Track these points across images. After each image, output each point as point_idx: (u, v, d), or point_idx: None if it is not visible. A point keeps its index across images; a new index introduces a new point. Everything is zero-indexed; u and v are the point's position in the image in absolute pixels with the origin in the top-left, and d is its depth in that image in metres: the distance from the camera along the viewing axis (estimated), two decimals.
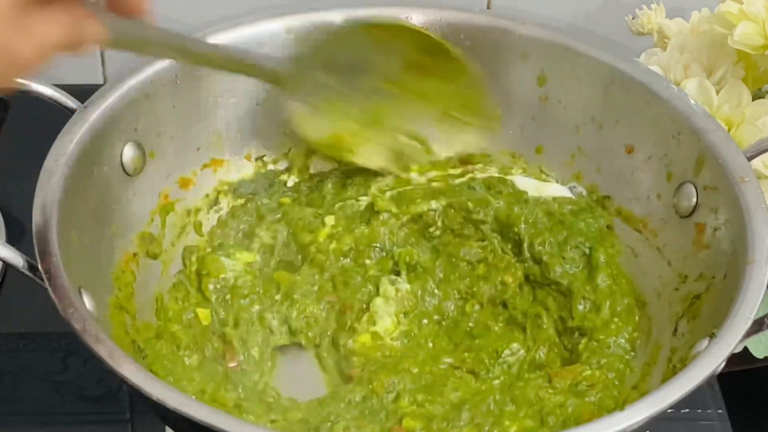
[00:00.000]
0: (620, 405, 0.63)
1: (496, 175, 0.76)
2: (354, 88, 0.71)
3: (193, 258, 0.71)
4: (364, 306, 0.71)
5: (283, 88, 0.69)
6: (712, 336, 0.56)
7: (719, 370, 0.55)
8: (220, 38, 0.71)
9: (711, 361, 0.54)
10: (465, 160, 0.77)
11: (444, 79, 0.71)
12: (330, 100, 0.71)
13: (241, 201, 0.75)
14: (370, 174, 0.75)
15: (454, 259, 0.73)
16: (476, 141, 0.75)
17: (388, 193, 0.74)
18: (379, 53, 0.70)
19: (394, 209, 0.73)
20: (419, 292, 0.72)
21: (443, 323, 0.71)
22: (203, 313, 0.69)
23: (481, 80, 0.72)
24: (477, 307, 0.72)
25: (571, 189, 0.75)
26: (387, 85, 0.72)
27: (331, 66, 0.70)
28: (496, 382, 0.67)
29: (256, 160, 0.76)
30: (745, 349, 0.67)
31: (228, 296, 0.70)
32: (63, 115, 0.65)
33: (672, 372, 0.61)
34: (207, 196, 0.74)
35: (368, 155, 0.74)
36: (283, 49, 0.73)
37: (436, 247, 0.74)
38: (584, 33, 0.88)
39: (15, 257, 0.57)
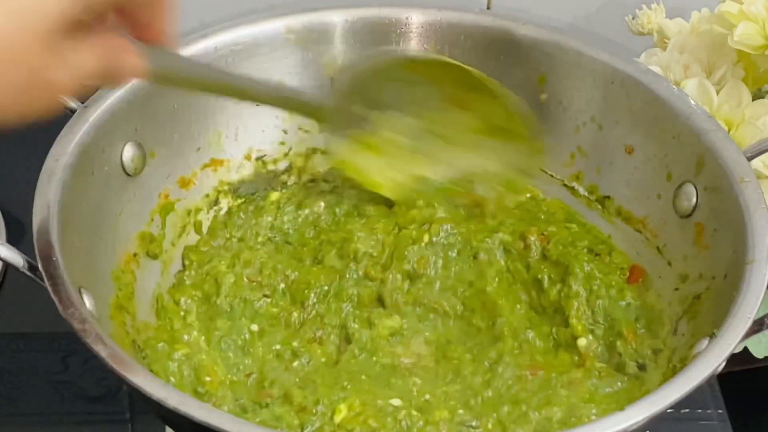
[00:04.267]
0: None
1: None
2: (391, 123, 0.71)
3: (193, 257, 0.71)
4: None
5: (322, 123, 0.70)
6: (712, 336, 0.56)
7: (719, 370, 0.55)
8: (221, 38, 0.71)
9: (711, 361, 0.54)
10: None
11: (482, 114, 0.70)
12: (367, 135, 0.71)
13: (241, 201, 0.75)
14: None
15: None
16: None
17: None
18: (417, 88, 0.70)
19: None
20: None
21: None
22: None
23: (522, 113, 0.70)
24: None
25: (571, 189, 0.76)
26: (424, 121, 0.71)
27: (368, 101, 0.70)
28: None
29: (256, 160, 0.76)
30: (745, 349, 0.67)
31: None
32: (63, 115, 0.65)
33: (672, 372, 0.61)
34: (207, 196, 0.74)
35: (395, 189, 0.74)
36: (283, 49, 0.73)
37: None
38: (584, 33, 0.88)
39: (15, 257, 0.57)
